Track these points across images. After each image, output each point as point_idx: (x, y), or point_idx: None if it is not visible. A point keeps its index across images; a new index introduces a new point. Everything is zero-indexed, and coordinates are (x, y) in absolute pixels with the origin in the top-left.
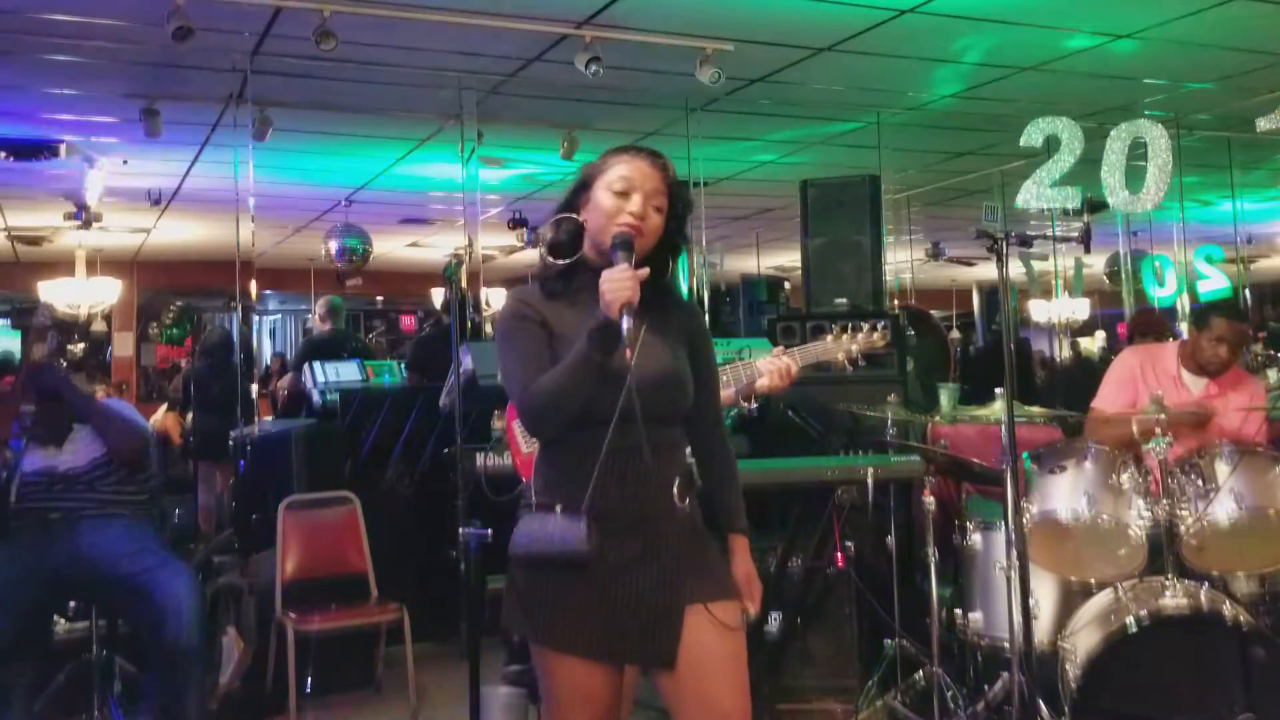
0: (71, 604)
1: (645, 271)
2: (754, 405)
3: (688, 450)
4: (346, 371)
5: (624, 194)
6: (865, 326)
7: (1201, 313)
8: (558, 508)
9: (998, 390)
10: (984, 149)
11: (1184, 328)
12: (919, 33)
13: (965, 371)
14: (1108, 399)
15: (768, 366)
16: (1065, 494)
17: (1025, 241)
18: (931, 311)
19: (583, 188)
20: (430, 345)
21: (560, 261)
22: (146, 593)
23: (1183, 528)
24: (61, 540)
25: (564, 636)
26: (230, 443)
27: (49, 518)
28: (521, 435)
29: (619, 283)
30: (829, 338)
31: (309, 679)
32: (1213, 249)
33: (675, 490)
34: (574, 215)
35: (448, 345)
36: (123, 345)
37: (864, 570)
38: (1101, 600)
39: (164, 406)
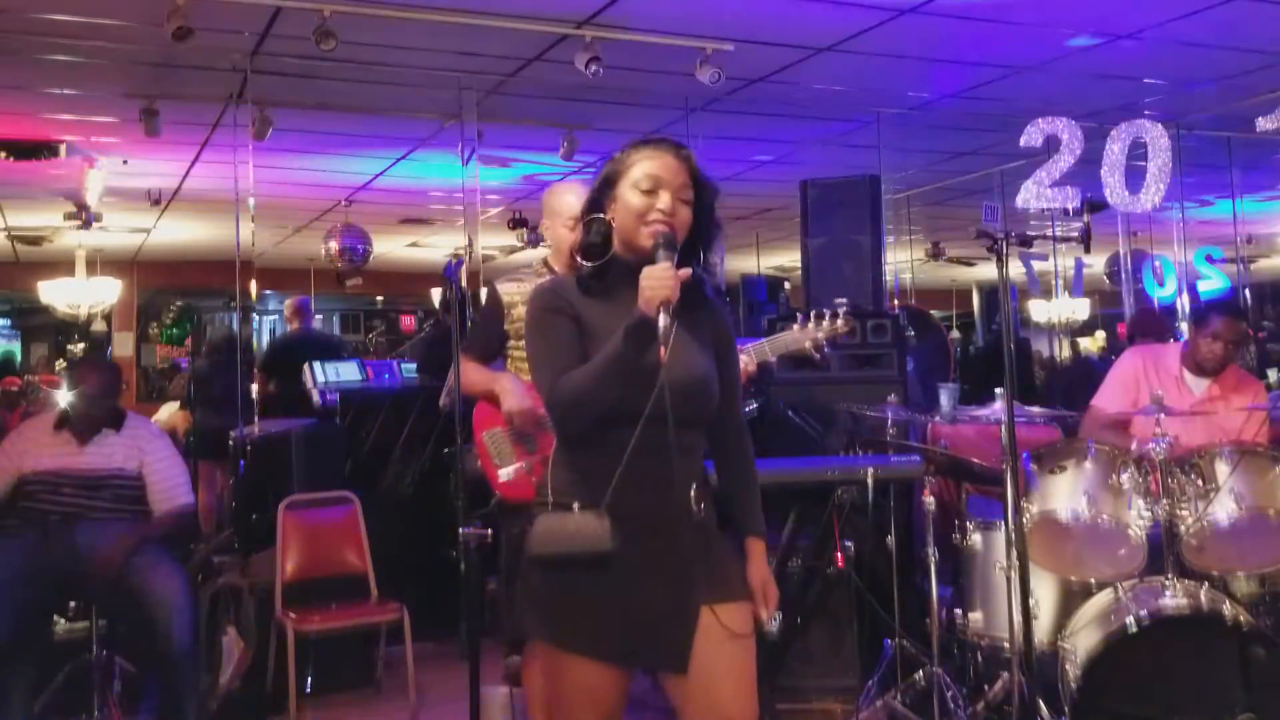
0: (71, 604)
1: (688, 271)
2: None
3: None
4: (346, 371)
5: (652, 191)
6: (828, 314)
7: (1200, 311)
8: (575, 505)
9: (998, 390)
10: (984, 149)
11: (1184, 328)
12: (919, 33)
13: (965, 371)
14: (1109, 399)
15: None
16: (1065, 494)
17: (1025, 241)
18: (931, 311)
19: (607, 185)
20: (439, 345)
21: (592, 263)
22: (139, 594)
23: (1183, 528)
24: (58, 539)
25: (580, 638)
26: (230, 443)
27: (49, 518)
28: (493, 449)
29: (661, 280)
30: (795, 328)
31: (309, 679)
32: (1213, 249)
33: (693, 494)
34: (602, 215)
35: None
36: (123, 345)
37: (864, 570)
38: (1101, 600)
39: (175, 405)
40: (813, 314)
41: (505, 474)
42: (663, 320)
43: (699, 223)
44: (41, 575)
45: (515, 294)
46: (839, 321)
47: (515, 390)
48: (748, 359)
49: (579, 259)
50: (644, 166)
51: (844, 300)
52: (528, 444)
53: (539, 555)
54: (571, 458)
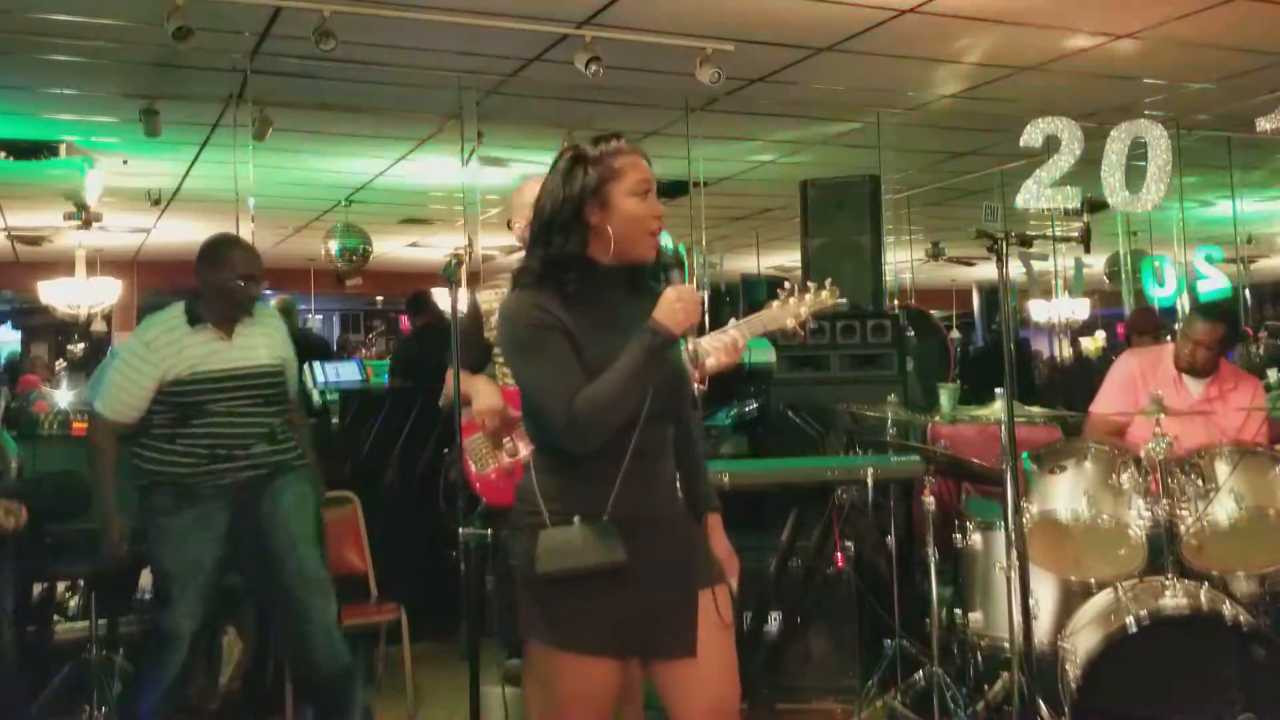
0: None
1: (705, 292)
2: (739, 393)
3: None
4: (346, 371)
5: (646, 195)
6: (813, 286)
7: (1186, 316)
8: (575, 519)
9: (998, 390)
10: (984, 149)
11: None
12: (919, 33)
13: (965, 371)
14: (1106, 403)
15: (713, 344)
16: (1065, 494)
17: (1025, 241)
18: (931, 311)
19: (594, 191)
20: (407, 347)
21: (576, 272)
22: (300, 614)
23: (1183, 528)
24: (250, 508)
25: (592, 640)
26: None
27: (234, 488)
28: (473, 454)
29: (694, 304)
30: (775, 303)
31: None
32: (1213, 249)
33: (678, 485)
34: (578, 224)
35: (427, 347)
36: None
37: (864, 570)
38: (1101, 600)
39: None
40: (796, 287)
41: (481, 472)
42: (691, 345)
43: None
44: (226, 562)
45: (493, 301)
46: (824, 294)
47: (485, 391)
48: (738, 334)
49: (560, 272)
50: (637, 174)
51: (843, 300)
52: (506, 446)
53: (548, 574)
54: (557, 464)
